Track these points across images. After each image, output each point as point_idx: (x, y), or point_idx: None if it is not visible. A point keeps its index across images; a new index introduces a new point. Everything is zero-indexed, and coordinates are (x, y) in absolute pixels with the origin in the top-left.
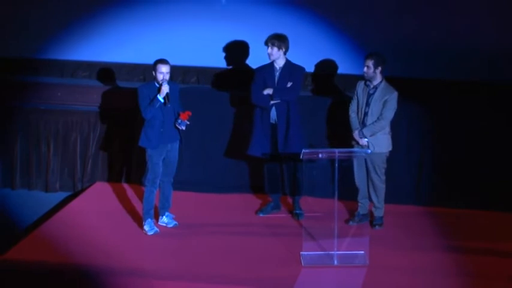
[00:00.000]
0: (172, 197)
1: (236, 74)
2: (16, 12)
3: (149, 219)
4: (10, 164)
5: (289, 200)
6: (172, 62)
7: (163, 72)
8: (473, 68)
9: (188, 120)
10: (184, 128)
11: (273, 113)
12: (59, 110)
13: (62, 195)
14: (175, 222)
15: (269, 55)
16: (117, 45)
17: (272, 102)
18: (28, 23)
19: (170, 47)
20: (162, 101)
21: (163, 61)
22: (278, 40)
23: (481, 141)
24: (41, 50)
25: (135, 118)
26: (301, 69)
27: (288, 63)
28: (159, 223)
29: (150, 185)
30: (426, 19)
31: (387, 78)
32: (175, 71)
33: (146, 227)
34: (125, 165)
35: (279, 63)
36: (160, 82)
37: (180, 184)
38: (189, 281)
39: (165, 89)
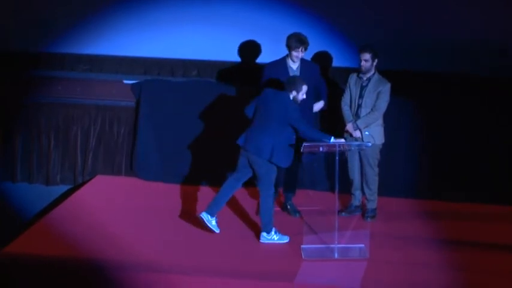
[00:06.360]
0: (176, 190)
1: (240, 68)
2: (16, 6)
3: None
4: (11, 157)
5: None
6: (173, 55)
7: None
8: (473, 62)
9: None
10: None
11: None
12: (59, 104)
13: (63, 188)
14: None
15: (296, 57)
16: (118, 38)
17: None
18: (28, 17)
19: (171, 40)
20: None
21: None
22: (307, 44)
23: (479, 135)
24: (41, 44)
25: (135, 112)
26: (318, 68)
27: (303, 61)
28: (201, 215)
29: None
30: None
31: (388, 72)
32: (176, 64)
33: (275, 237)
34: (125, 158)
35: (296, 62)
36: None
37: (181, 177)
38: (189, 274)
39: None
